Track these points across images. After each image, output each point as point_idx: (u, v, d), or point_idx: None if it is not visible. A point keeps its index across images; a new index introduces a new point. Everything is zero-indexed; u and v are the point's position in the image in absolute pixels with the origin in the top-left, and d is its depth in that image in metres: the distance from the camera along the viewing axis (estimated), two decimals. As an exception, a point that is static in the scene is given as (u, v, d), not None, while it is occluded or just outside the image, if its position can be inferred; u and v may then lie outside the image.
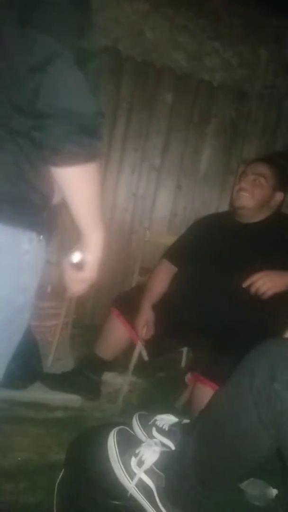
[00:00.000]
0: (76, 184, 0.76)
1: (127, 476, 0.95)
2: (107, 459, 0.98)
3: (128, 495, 0.94)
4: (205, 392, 1.38)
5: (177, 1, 2.55)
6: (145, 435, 1.10)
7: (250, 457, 0.91)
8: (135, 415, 1.16)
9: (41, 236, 0.81)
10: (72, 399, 1.76)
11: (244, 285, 1.45)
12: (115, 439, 1.01)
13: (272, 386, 0.81)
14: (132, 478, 0.95)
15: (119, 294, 1.95)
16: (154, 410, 1.18)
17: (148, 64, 2.60)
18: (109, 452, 0.99)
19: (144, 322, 1.68)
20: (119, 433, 1.03)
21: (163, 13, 2.55)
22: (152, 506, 0.93)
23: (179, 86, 2.67)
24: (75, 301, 2.38)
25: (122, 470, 0.96)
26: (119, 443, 1.00)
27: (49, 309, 2.22)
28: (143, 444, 1.01)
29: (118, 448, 0.99)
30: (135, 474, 0.95)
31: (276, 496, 1.36)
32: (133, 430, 1.12)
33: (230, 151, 2.83)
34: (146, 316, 1.69)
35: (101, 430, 1.06)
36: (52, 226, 0.86)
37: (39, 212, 0.80)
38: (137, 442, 1.03)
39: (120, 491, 0.94)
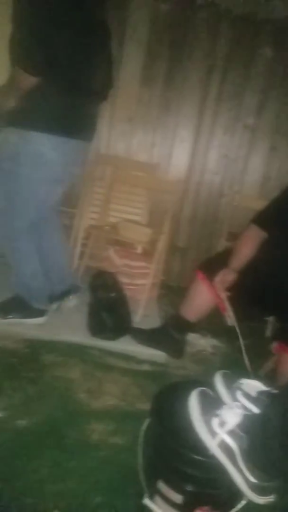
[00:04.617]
0: None
1: (209, 435, 0.97)
2: (189, 417, 1.01)
3: (210, 453, 0.96)
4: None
5: None
6: (228, 396, 1.09)
7: None
8: (218, 373, 1.15)
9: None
10: (158, 355, 1.86)
11: None
12: (197, 399, 1.02)
13: None
14: (214, 438, 0.96)
15: (205, 259, 1.95)
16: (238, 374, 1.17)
17: (246, 17, 2.44)
18: (191, 411, 1.01)
19: (225, 276, 1.63)
20: (200, 394, 1.04)
21: None
22: (234, 466, 0.94)
23: (278, 39, 2.47)
24: (163, 264, 2.45)
25: (205, 429, 0.97)
26: (200, 403, 1.02)
27: (139, 268, 2.34)
28: (224, 407, 1.01)
29: (200, 407, 1.01)
30: (217, 434, 0.96)
31: None
32: (216, 389, 1.11)
33: None
34: (229, 272, 1.64)
35: (186, 386, 1.10)
36: None
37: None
38: (218, 404, 1.03)
39: (202, 448, 0.96)
